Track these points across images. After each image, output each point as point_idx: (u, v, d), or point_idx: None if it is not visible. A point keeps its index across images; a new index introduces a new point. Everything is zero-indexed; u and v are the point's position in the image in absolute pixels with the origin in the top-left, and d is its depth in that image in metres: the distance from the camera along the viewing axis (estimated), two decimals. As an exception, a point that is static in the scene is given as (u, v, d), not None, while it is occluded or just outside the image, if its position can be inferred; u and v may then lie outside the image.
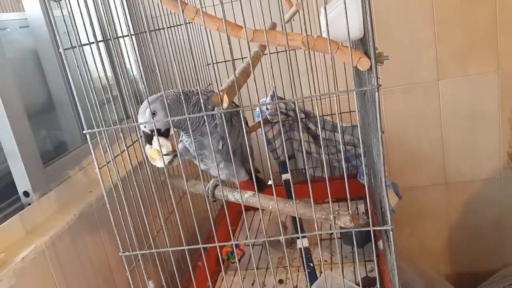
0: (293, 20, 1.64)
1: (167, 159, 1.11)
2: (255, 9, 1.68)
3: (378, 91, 0.83)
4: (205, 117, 0.94)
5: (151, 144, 1.08)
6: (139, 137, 1.03)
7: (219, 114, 0.99)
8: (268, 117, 1.91)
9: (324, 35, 0.85)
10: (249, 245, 1.66)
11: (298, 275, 1.53)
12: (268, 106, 1.85)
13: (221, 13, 0.85)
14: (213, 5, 1.69)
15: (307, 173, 1.09)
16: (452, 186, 2.21)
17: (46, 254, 1.07)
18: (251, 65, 0.97)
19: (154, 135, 1.04)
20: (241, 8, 0.86)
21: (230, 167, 1.11)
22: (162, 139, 1.06)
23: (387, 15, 1.99)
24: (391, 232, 0.95)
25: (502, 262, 2.24)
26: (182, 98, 0.97)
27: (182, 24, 1.55)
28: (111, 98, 0.97)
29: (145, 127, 1.06)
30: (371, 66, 0.83)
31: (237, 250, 1.59)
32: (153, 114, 1.04)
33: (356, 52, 0.86)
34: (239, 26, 0.86)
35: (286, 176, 1.70)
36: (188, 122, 0.96)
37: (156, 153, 1.09)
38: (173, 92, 1.08)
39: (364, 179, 1.66)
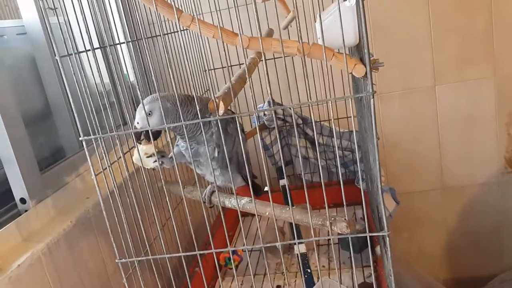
0: (291, 27, 1.65)
1: (153, 161, 1.10)
2: (253, 15, 1.68)
3: (373, 97, 0.83)
4: (201, 125, 0.94)
5: (139, 141, 1.06)
6: (135, 143, 1.03)
7: (214, 122, 0.98)
8: (266, 123, 1.92)
9: (320, 42, 0.85)
10: (246, 251, 1.65)
11: (295, 280, 1.53)
12: (266, 112, 1.86)
13: (219, 19, 0.85)
14: (210, 12, 1.69)
15: (304, 178, 1.09)
16: (449, 191, 2.22)
17: (42, 261, 1.07)
18: (247, 71, 0.97)
19: (142, 138, 1.04)
20: (237, 15, 0.86)
21: (226, 174, 1.11)
22: (145, 145, 1.06)
23: (384, 21, 2.00)
24: (387, 238, 0.94)
25: (501, 266, 2.24)
26: (178, 103, 0.95)
27: (178, 31, 1.55)
28: (107, 105, 0.97)
29: (138, 123, 1.03)
30: (366, 73, 0.84)
31: (235, 256, 1.59)
32: (149, 114, 1.01)
33: (351, 59, 0.86)
34: (235, 33, 0.86)
35: (283, 181, 1.70)
36: (185, 130, 0.96)
37: (143, 155, 1.09)
38: (176, 95, 1.04)
39: (361, 184, 1.66)
